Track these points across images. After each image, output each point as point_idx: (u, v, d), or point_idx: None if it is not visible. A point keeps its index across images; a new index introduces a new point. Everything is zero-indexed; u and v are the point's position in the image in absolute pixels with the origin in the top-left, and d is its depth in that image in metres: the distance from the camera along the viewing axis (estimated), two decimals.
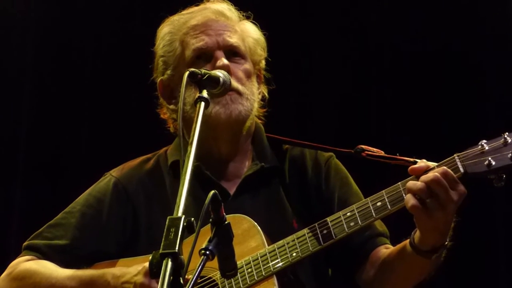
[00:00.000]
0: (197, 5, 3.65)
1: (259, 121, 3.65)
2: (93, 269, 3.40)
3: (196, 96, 2.91)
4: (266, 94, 3.65)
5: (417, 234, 3.18)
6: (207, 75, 3.03)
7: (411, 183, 3.10)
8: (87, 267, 3.42)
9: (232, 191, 3.50)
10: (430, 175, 3.08)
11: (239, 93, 3.46)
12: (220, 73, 3.14)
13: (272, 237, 3.33)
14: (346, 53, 5.59)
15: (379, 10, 5.53)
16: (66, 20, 5.81)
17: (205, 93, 2.93)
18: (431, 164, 3.16)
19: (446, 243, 3.17)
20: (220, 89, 3.12)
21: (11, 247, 5.26)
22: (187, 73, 2.96)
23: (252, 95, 3.50)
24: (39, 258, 3.47)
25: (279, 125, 3.69)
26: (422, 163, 3.18)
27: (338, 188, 3.53)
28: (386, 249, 3.42)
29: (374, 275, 3.40)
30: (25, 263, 3.45)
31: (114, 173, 3.62)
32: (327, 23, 5.67)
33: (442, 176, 3.06)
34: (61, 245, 3.48)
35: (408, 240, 3.24)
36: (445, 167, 3.09)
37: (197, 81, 3.00)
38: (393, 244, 3.43)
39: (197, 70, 3.01)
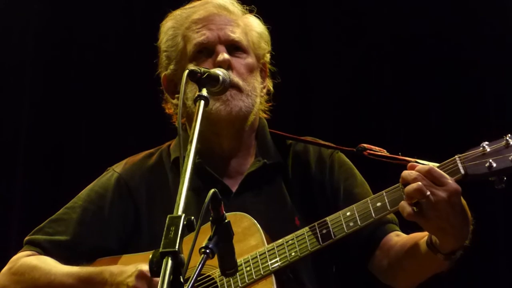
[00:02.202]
0: None
1: (265, 115, 3.64)
2: (91, 266, 3.39)
3: (196, 94, 2.91)
4: (272, 88, 3.64)
5: (434, 237, 3.13)
6: (206, 74, 3.02)
7: (406, 173, 3.06)
8: (88, 263, 3.42)
9: (234, 188, 3.49)
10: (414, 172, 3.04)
11: (239, 89, 3.43)
12: (219, 72, 3.14)
13: (273, 235, 3.32)
14: (347, 51, 5.59)
15: (381, 8, 5.52)
16: (67, 13, 5.80)
17: (204, 92, 2.92)
18: (433, 164, 3.13)
19: (465, 244, 3.11)
20: (219, 87, 3.12)
21: (12, 242, 5.26)
22: (186, 72, 2.95)
23: (253, 91, 3.47)
24: (40, 254, 3.47)
25: (279, 123, 3.68)
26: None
27: (343, 180, 3.50)
28: (397, 237, 3.40)
29: (388, 264, 3.37)
30: (25, 259, 3.45)
31: (117, 168, 3.61)
32: (327, 21, 5.66)
33: (425, 173, 3.02)
34: (62, 240, 3.48)
35: (423, 236, 3.19)
36: (431, 166, 3.06)
37: (197, 80, 2.99)
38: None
39: (196, 69, 3.01)
